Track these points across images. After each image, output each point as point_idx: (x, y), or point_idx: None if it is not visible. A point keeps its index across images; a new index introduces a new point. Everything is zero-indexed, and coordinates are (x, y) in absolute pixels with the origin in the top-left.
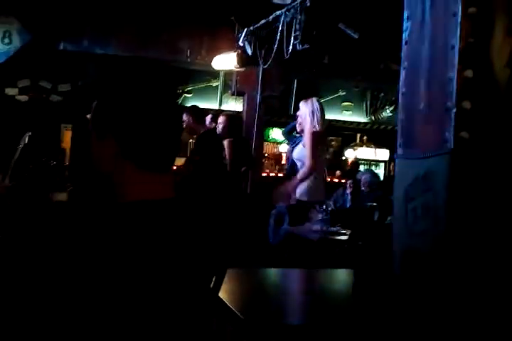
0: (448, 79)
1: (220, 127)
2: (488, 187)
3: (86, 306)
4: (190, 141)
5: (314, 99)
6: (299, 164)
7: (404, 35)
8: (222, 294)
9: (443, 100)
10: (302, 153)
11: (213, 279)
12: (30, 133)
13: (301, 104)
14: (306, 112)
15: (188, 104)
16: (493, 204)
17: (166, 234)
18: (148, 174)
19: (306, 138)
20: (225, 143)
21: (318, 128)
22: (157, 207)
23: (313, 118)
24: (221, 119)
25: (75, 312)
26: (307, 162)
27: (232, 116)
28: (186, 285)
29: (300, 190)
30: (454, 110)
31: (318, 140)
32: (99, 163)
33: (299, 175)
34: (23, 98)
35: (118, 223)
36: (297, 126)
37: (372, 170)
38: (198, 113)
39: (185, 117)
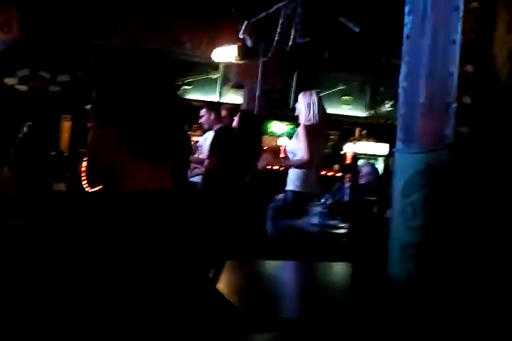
0: (449, 74)
1: (235, 123)
2: (487, 183)
3: (86, 296)
4: (189, 132)
5: (313, 92)
6: (290, 156)
7: (405, 29)
8: (220, 286)
9: (443, 95)
10: (294, 145)
11: (212, 270)
12: (29, 123)
13: (300, 96)
14: (302, 104)
15: (187, 96)
16: (492, 199)
17: (165, 224)
18: (148, 164)
19: (299, 130)
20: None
21: (312, 122)
22: (156, 198)
23: (309, 111)
24: (237, 116)
25: (76, 301)
26: (302, 155)
27: (248, 113)
28: (184, 277)
29: (293, 182)
30: (455, 105)
31: (311, 133)
32: (98, 153)
33: (291, 163)
34: (23, 88)
35: (117, 213)
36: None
37: (372, 162)
38: (218, 109)
39: (204, 113)
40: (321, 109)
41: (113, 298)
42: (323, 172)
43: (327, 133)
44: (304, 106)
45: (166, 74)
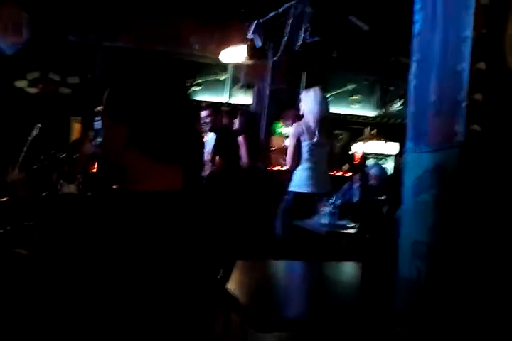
0: (460, 71)
1: (237, 124)
2: (499, 181)
3: (94, 292)
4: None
5: (317, 89)
6: None
7: (415, 26)
8: (229, 285)
9: (454, 92)
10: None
11: (221, 270)
12: (40, 125)
13: (305, 94)
14: (308, 102)
15: (197, 97)
16: (503, 198)
17: (174, 224)
18: (158, 165)
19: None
20: (240, 138)
21: (316, 118)
22: (165, 198)
23: (315, 108)
24: (239, 117)
25: (86, 294)
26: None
27: (249, 113)
28: (194, 276)
29: (297, 182)
30: (466, 103)
31: (298, 133)
32: (109, 152)
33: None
34: (33, 90)
35: (127, 213)
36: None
37: (380, 163)
38: (220, 110)
39: (209, 113)
40: (326, 106)
41: (117, 296)
42: (331, 173)
43: (332, 131)
44: (312, 103)
45: (176, 74)
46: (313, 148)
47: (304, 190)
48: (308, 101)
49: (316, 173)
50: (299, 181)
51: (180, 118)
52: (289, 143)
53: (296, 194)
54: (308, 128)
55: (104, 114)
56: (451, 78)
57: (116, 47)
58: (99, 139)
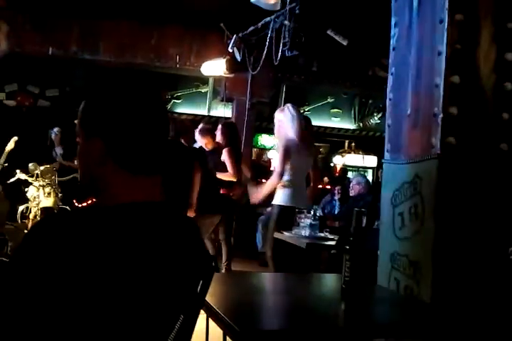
0: (435, 85)
1: (218, 136)
2: (475, 192)
3: (71, 311)
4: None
5: (290, 106)
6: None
7: (392, 41)
8: (208, 298)
9: (430, 106)
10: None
11: (200, 283)
12: (16, 138)
13: (278, 112)
14: (283, 119)
15: (177, 110)
16: (479, 208)
17: (153, 236)
18: (136, 177)
19: (280, 144)
20: (225, 151)
21: (293, 137)
22: (144, 210)
23: (292, 126)
24: (219, 128)
25: (58, 318)
26: (276, 169)
27: (230, 125)
28: (173, 289)
29: (280, 196)
30: (441, 116)
31: (289, 149)
32: (86, 165)
33: (267, 188)
34: (11, 103)
35: (104, 225)
36: (275, 132)
37: (362, 174)
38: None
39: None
40: (302, 123)
41: (99, 312)
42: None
43: (312, 148)
44: (289, 120)
45: (152, 87)
46: (295, 164)
47: (290, 204)
48: (286, 120)
49: (303, 190)
50: (284, 196)
51: (155, 130)
52: (279, 154)
53: (282, 208)
54: (294, 144)
55: (79, 129)
56: (427, 92)
57: (95, 60)
58: (58, 150)
